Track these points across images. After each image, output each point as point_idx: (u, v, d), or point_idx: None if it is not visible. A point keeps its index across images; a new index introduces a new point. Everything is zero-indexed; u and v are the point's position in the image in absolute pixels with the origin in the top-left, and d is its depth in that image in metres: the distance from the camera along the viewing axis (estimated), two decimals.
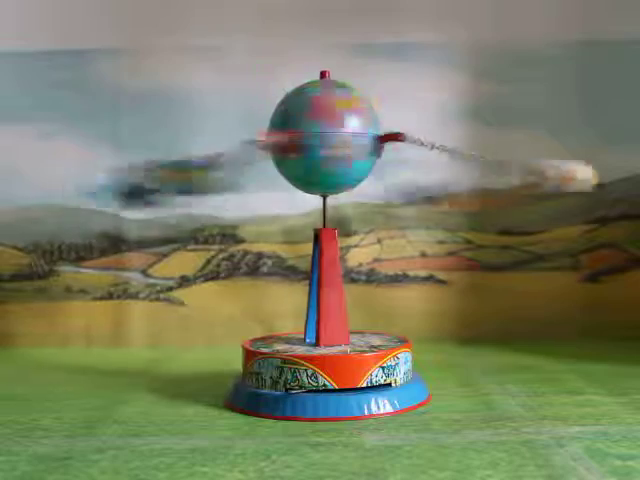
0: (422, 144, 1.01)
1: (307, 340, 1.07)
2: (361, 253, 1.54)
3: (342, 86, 1.03)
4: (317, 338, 1.02)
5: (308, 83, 1.04)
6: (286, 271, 1.53)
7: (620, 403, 0.98)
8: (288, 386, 0.95)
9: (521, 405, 0.98)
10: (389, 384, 0.98)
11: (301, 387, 0.95)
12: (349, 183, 1.05)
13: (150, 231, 1.53)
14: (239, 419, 0.94)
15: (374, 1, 1.51)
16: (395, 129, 1.02)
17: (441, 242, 1.54)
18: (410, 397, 0.98)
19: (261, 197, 1.48)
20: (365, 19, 1.50)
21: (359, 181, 1.05)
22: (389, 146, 1.04)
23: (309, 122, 0.98)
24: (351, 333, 1.05)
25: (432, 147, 1.01)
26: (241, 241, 1.54)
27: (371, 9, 1.50)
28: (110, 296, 1.53)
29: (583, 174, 0.98)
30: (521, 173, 1.01)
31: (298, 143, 0.98)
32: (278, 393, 0.96)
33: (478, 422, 0.90)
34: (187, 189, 1.03)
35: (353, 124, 0.99)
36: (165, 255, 1.54)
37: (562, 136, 1.51)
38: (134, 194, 1.00)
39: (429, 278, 1.54)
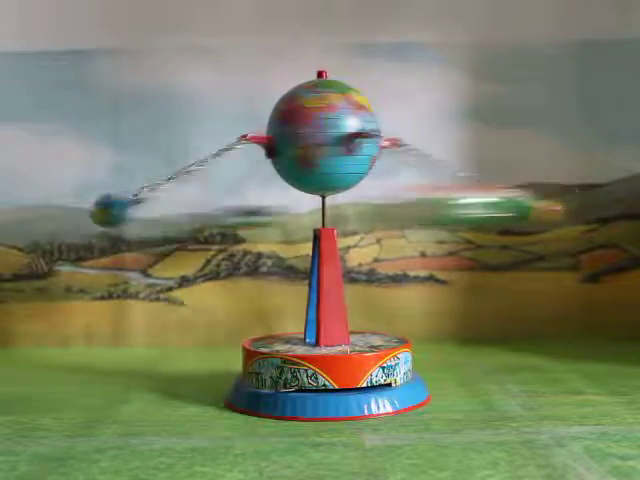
0: (415, 153, 1.02)
1: (307, 340, 1.07)
2: (361, 253, 1.54)
3: (324, 85, 1.03)
4: (317, 338, 1.02)
5: (304, 84, 1.04)
6: (286, 271, 1.53)
7: (620, 403, 0.98)
8: (288, 386, 0.96)
9: (521, 405, 0.99)
10: (389, 384, 0.98)
11: (292, 386, 0.95)
12: (347, 182, 1.05)
13: (150, 231, 1.53)
14: (239, 419, 0.94)
15: (374, 1, 1.51)
16: (394, 129, 1.02)
17: (441, 242, 1.54)
18: (410, 397, 0.98)
19: (261, 197, 1.48)
20: (365, 19, 1.50)
21: (357, 181, 1.05)
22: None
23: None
24: (351, 333, 1.05)
25: (424, 157, 1.02)
26: (241, 241, 1.53)
27: (371, 9, 1.50)
28: (110, 296, 1.53)
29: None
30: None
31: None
32: (268, 392, 0.96)
33: (478, 422, 0.90)
34: None
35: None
36: (165, 255, 1.53)
37: (562, 136, 1.51)
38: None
39: (429, 278, 1.54)
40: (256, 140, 1.03)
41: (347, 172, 1.02)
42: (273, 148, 1.03)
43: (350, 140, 0.99)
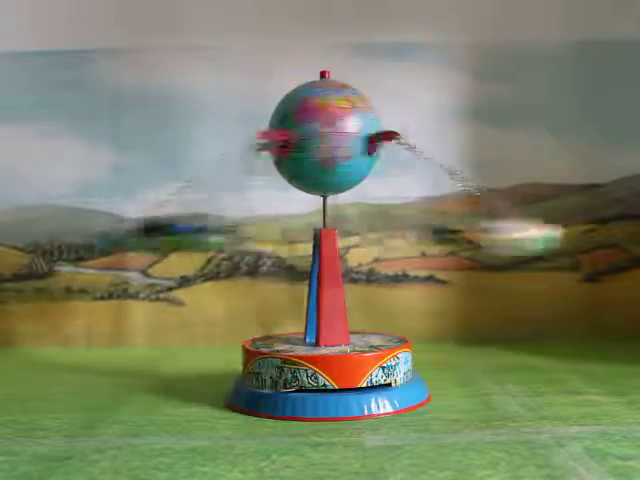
0: (413, 149, 1.02)
1: (307, 340, 1.07)
2: (361, 253, 1.54)
3: (338, 87, 1.03)
4: (317, 338, 1.02)
5: (306, 84, 1.04)
6: (286, 271, 1.53)
7: (620, 403, 0.98)
8: (288, 386, 0.96)
9: (521, 405, 0.98)
10: (389, 384, 0.98)
11: (292, 386, 0.95)
12: (349, 183, 1.05)
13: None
14: (239, 419, 0.94)
15: (374, 1, 1.51)
16: (395, 129, 1.02)
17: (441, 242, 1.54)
18: (410, 397, 0.98)
19: (261, 197, 1.48)
20: (365, 19, 1.50)
21: (359, 181, 1.05)
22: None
23: (303, 123, 0.99)
24: (351, 333, 1.05)
25: (421, 156, 1.02)
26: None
27: (371, 9, 1.50)
28: (110, 296, 1.53)
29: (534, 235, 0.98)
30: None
31: (294, 143, 0.99)
32: (268, 392, 0.96)
33: (478, 422, 0.90)
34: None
35: (346, 124, 0.99)
36: (165, 255, 1.53)
37: (562, 136, 1.51)
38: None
39: (429, 278, 1.54)
40: (274, 137, 1.02)
41: (348, 172, 1.02)
42: (291, 145, 1.01)
43: (374, 141, 1.01)
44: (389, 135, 1.01)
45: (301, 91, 1.03)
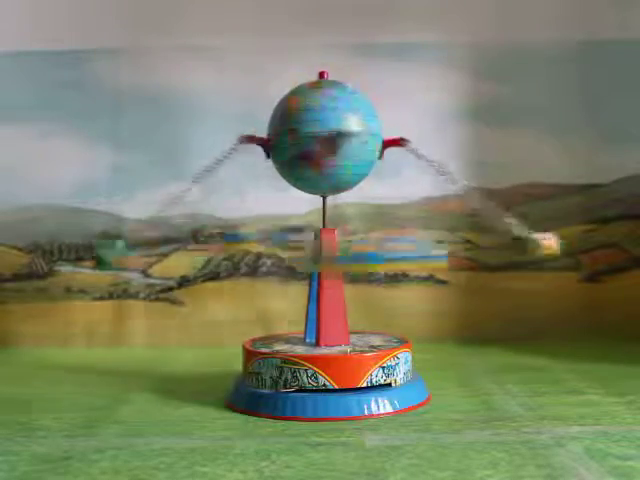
0: (421, 156, 1.02)
1: (307, 340, 1.07)
2: None
3: (338, 87, 1.03)
4: (317, 338, 1.02)
5: (306, 84, 1.04)
6: (286, 271, 1.53)
7: (620, 403, 0.98)
8: (288, 386, 0.96)
9: (521, 405, 0.98)
10: (389, 384, 0.98)
11: (292, 386, 0.95)
12: (349, 183, 1.05)
13: (150, 231, 1.52)
14: (239, 419, 0.94)
15: (374, 1, 1.51)
16: (395, 129, 1.02)
17: (441, 242, 1.54)
18: (410, 397, 0.98)
19: (261, 197, 1.48)
20: (365, 19, 1.50)
21: (358, 181, 1.05)
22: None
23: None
24: (351, 333, 1.05)
25: (430, 164, 1.02)
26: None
27: (371, 9, 1.50)
28: (110, 296, 1.53)
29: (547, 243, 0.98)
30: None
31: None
32: (268, 392, 0.96)
33: (478, 422, 0.90)
34: None
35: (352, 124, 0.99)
36: (165, 255, 1.53)
37: (562, 136, 1.51)
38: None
39: (429, 278, 1.54)
40: (254, 141, 1.03)
41: (349, 172, 1.02)
42: (273, 149, 1.02)
43: (383, 146, 1.02)
44: (398, 141, 1.02)
45: (299, 91, 1.03)
